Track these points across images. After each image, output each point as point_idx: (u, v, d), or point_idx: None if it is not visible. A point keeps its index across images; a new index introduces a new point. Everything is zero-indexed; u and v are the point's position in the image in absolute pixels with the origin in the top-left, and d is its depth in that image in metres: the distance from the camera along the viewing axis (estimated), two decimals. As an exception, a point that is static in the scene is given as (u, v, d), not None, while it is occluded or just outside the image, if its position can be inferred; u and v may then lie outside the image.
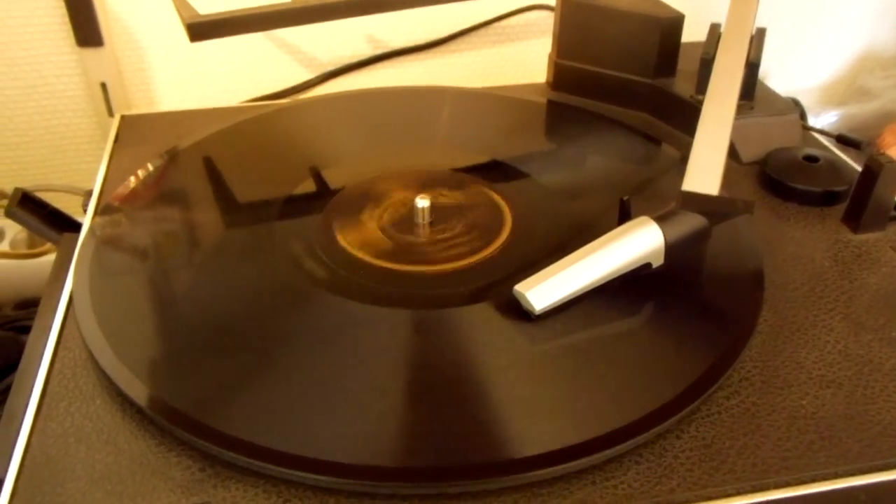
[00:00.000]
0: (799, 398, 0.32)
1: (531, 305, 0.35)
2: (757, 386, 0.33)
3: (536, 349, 0.34)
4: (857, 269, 0.40)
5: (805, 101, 0.76)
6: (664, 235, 0.36)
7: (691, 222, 0.37)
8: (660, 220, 0.37)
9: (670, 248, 0.36)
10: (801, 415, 0.32)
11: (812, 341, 0.35)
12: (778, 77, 0.78)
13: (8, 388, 0.35)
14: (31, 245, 0.60)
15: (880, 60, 0.81)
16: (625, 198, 0.38)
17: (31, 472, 0.29)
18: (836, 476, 0.29)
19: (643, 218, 0.37)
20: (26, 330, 0.38)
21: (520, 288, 0.35)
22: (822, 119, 0.76)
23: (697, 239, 0.38)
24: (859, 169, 0.43)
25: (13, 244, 0.59)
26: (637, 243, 0.36)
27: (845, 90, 0.82)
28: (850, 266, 0.40)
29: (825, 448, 0.30)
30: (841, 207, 0.44)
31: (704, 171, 0.39)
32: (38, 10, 0.59)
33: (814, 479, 0.29)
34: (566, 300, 0.35)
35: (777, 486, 0.29)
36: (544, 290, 0.35)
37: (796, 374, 0.34)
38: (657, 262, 0.37)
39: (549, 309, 0.35)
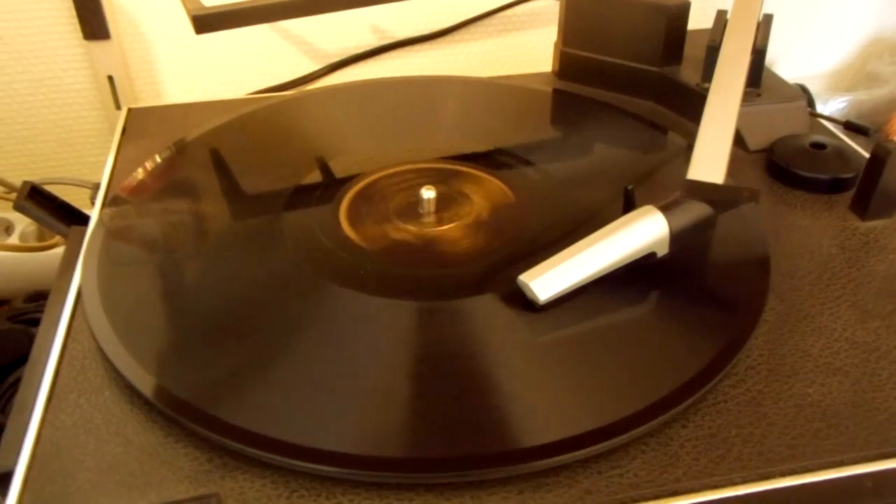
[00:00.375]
0: (805, 386, 0.32)
1: (535, 295, 0.35)
2: (763, 374, 0.33)
3: (541, 339, 0.34)
4: (865, 256, 0.40)
5: (813, 88, 0.75)
6: (669, 225, 0.36)
7: (696, 211, 0.37)
8: (664, 209, 0.37)
9: (675, 238, 0.36)
10: (808, 403, 0.32)
11: (819, 329, 0.35)
12: (785, 63, 0.78)
13: (19, 380, 0.35)
14: (41, 238, 0.60)
15: (889, 45, 0.80)
16: (629, 187, 0.38)
17: (42, 464, 0.29)
18: (843, 464, 0.29)
19: (648, 207, 0.37)
20: (37, 322, 0.38)
21: (524, 278, 0.35)
22: (831, 105, 0.76)
23: (702, 228, 0.38)
24: (867, 156, 0.43)
25: (23, 237, 0.60)
26: (642, 233, 0.36)
27: (854, 76, 0.81)
28: (858, 253, 0.40)
29: (832, 436, 0.30)
30: (848, 195, 0.44)
31: (710, 160, 0.39)
32: (44, 3, 0.59)
33: (820, 467, 0.29)
34: (570, 290, 0.35)
35: (783, 475, 0.29)
36: (548, 280, 0.35)
37: (803, 363, 0.34)
38: (662, 251, 0.37)
39: (553, 299, 0.35)
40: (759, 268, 0.38)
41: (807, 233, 0.41)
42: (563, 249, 0.36)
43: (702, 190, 0.38)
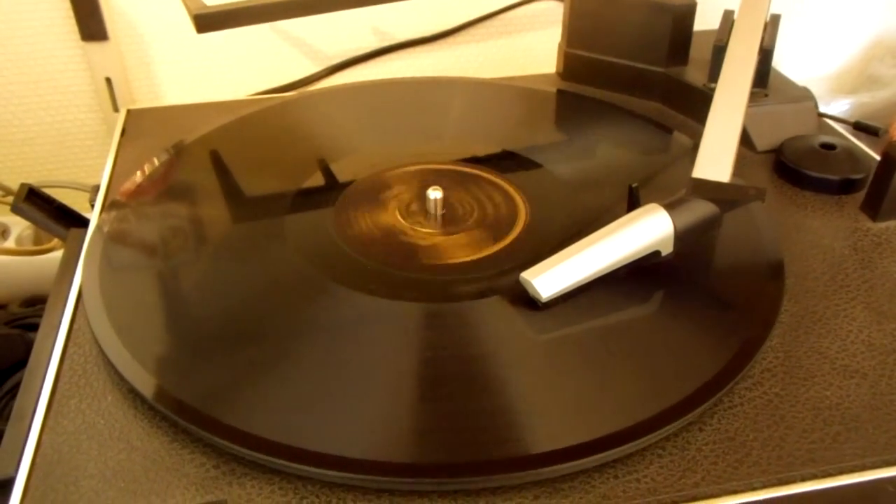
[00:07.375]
0: (823, 389, 0.32)
1: (537, 293, 0.34)
2: (779, 377, 0.32)
3: (548, 339, 0.33)
4: (878, 257, 0.39)
5: (815, 90, 0.75)
6: (673, 223, 0.36)
7: (701, 209, 0.37)
8: (669, 207, 0.36)
9: (680, 236, 0.36)
10: (826, 406, 0.31)
11: (834, 331, 0.35)
12: (787, 66, 0.77)
13: (16, 386, 0.34)
14: (37, 242, 0.59)
15: (891, 48, 0.80)
16: (633, 185, 0.38)
17: (43, 471, 0.28)
18: (864, 468, 0.29)
19: (652, 205, 0.36)
20: (33, 328, 0.37)
21: (526, 275, 0.34)
22: (833, 108, 0.75)
23: (708, 226, 0.37)
24: (877, 156, 0.42)
25: (19, 241, 0.59)
26: (646, 230, 0.35)
27: (856, 79, 0.81)
28: (871, 254, 0.39)
29: (851, 440, 0.30)
30: (859, 195, 0.43)
31: (715, 158, 0.39)
32: (42, 4, 0.58)
33: (841, 472, 0.29)
34: (574, 288, 0.35)
35: (804, 479, 0.28)
36: (551, 277, 0.34)
37: (819, 365, 0.33)
38: (666, 249, 0.36)
39: (555, 297, 0.34)
40: (773, 269, 0.37)
41: (818, 234, 0.41)
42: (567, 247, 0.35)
43: (707, 188, 0.37)
